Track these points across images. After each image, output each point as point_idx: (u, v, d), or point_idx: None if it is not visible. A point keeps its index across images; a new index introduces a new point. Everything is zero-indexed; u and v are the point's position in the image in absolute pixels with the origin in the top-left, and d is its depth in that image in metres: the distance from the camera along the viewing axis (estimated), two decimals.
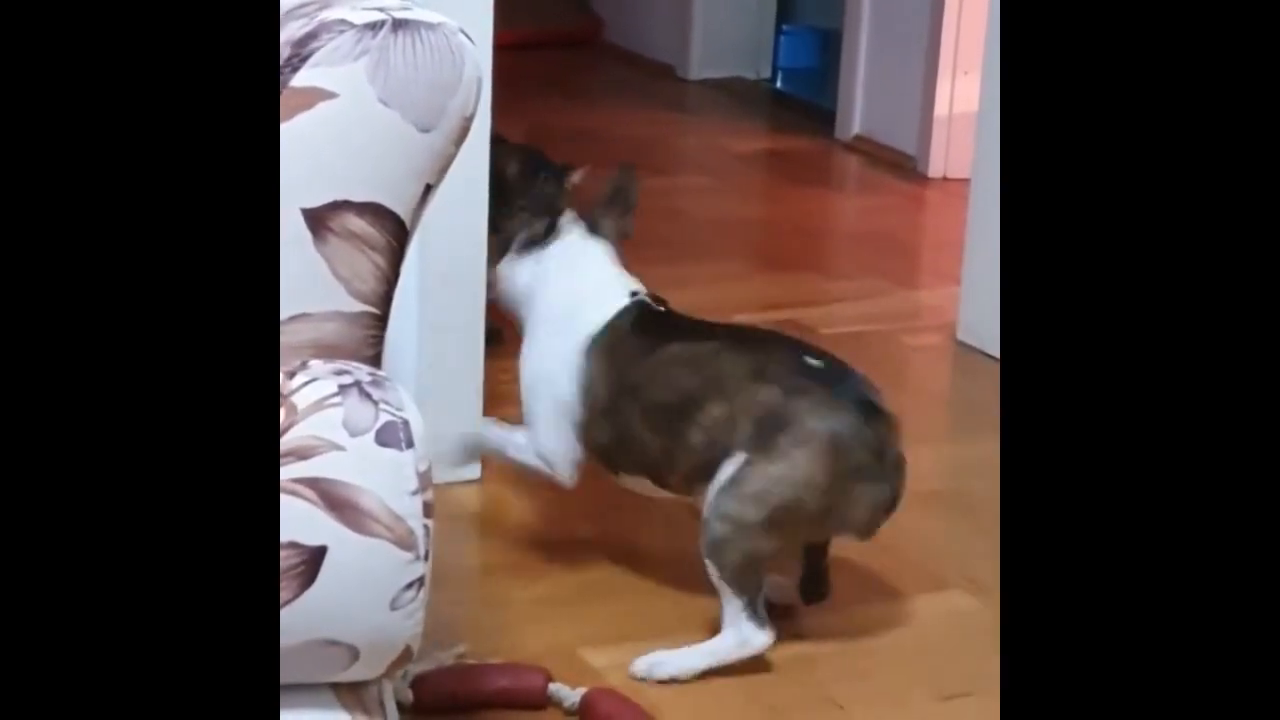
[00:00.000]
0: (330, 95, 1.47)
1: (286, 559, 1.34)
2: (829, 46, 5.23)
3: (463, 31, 1.53)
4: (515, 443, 2.37)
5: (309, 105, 1.47)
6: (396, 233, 1.50)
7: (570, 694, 2.07)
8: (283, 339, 1.43)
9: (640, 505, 2.52)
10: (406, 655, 1.44)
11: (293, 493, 1.34)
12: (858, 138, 4.82)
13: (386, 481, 1.37)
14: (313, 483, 1.35)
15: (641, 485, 2.29)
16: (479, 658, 2.14)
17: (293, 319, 1.47)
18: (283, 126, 1.45)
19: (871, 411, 2.17)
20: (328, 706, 1.44)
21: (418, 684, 2.04)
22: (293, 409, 1.37)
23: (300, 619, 1.35)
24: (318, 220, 1.47)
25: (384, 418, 1.38)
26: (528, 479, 2.44)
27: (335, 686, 1.45)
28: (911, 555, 2.47)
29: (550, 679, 2.09)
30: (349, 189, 1.48)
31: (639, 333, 2.29)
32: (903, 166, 4.61)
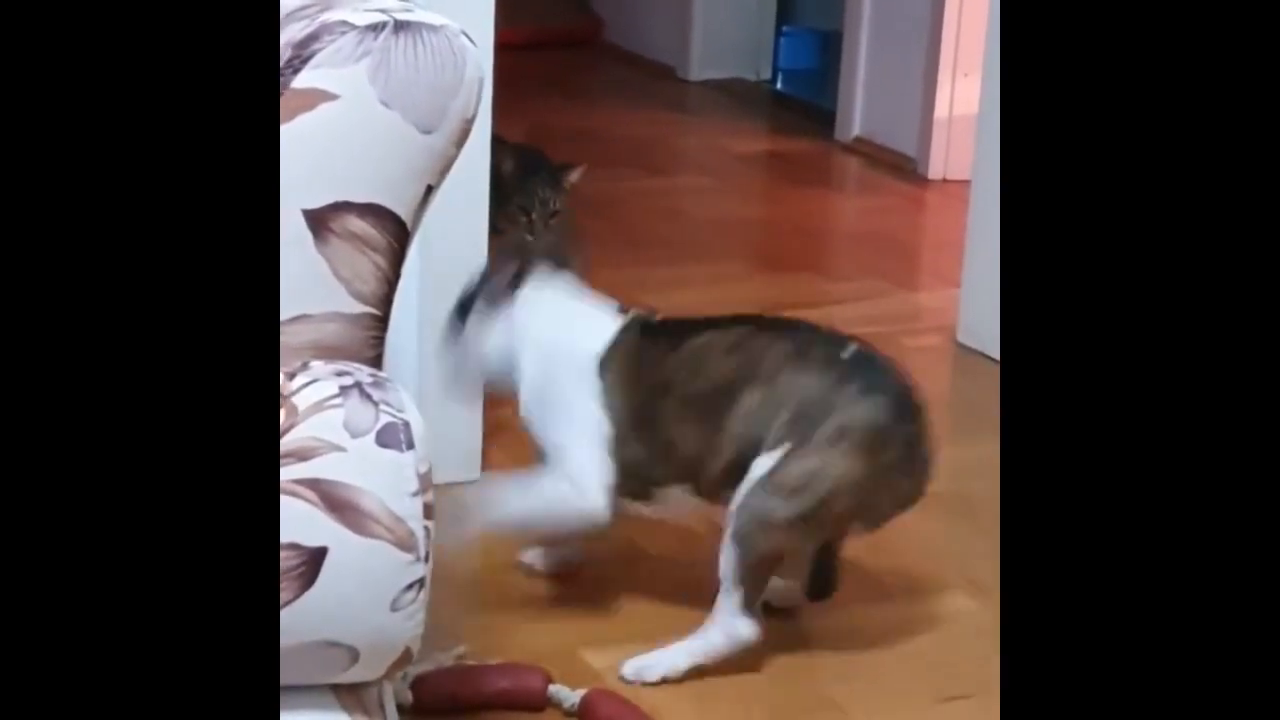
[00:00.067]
0: (331, 97, 1.47)
1: (287, 560, 1.34)
2: (829, 47, 5.23)
3: (464, 33, 1.53)
4: (536, 494, 2.23)
5: (310, 106, 1.47)
6: (397, 234, 1.50)
7: (570, 695, 2.07)
8: (283, 340, 1.43)
9: None
10: (406, 656, 1.44)
11: (293, 494, 1.34)
12: (858, 139, 4.82)
13: (387, 483, 1.37)
14: (313, 484, 1.35)
15: (678, 500, 2.21)
16: (479, 658, 2.14)
17: (293, 320, 1.47)
18: (284, 127, 1.45)
19: (906, 405, 2.14)
20: (328, 708, 1.44)
21: (417, 685, 2.04)
22: (293, 410, 1.37)
23: (300, 620, 1.35)
24: (319, 221, 1.47)
25: (384, 419, 1.38)
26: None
27: (335, 688, 1.45)
28: (912, 556, 2.47)
29: (550, 680, 2.09)
30: (350, 190, 1.48)
31: (653, 337, 2.23)
32: (903, 168, 4.62)
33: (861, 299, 3.66)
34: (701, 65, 5.54)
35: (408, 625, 1.41)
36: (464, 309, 2.31)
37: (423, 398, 2.16)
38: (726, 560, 2.11)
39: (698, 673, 2.16)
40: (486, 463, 2.70)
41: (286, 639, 1.32)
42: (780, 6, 5.64)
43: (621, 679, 2.14)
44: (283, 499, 1.32)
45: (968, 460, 2.66)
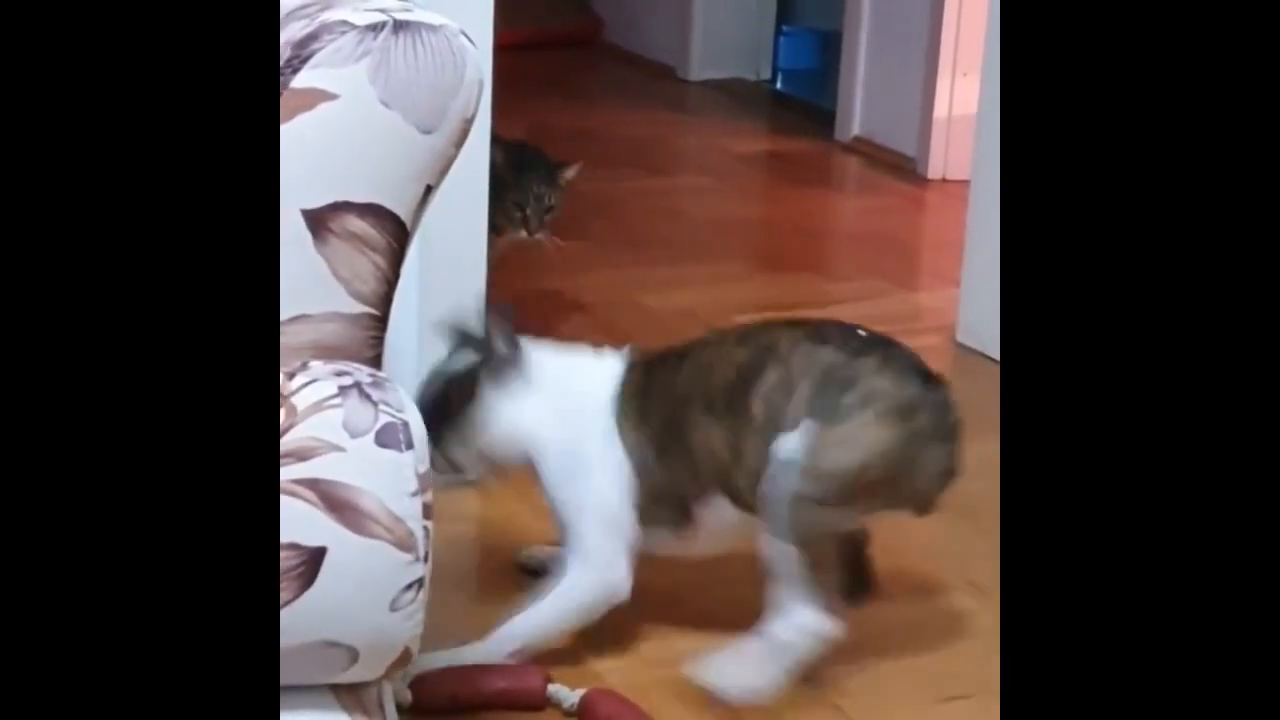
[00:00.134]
0: (331, 96, 1.47)
1: (286, 560, 1.34)
2: (829, 47, 5.23)
3: (464, 33, 1.53)
4: (565, 601, 2.14)
5: (310, 106, 1.47)
6: (397, 234, 1.50)
7: (570, 695, 2.07)
8: (283, 340, 1.43)
9: None
10: (406, 656, 1.44)
11: (293, 494, 1.34)
12: (857, 139, 4.82)
13: (386, 483, 1.37)
14: (312, 484, 1.35)
15: (719, 516, 2.13)
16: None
17: (293, 320, 1.47)
18: (283, 127, 1.45)
19: (928, 374, 2.12)
20: (327, 708, 1.44)
21: (417, 685, 2.04)
22: (293, 410, 1.37)
23: (300, 620, 1.35)
24: (318, 221, 1.47)
25: (384, 419, 1.38)
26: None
27: (335, 688, 1.45)
28: (911, 556, 2.47)
29: (550, 680, 2.08)
30: (349, 190, 1.48)
31: (658, 363, 2.18)
32: (902, 168, 4.61)
33: (861, 299, 3.65)
34: (701, 65, 5.54)
35: (407, 625, 1.41)
36: (448, 403, 2.15)
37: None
38: (776, 552, 2.05)
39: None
40: None
41: (286, 639, 1.32)
42: (780, 6, 5.65)
43: (694, 683, 2.08)
44: (282, 499, 1.32)
45: (968, 460, 2.66)
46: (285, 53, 1.49)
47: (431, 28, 1.50)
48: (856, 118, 4.83)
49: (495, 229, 2.86)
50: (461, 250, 2.60)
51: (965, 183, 3.54)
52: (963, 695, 2.15)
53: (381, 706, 1.50)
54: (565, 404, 2.15)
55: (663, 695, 2.12)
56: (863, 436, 2.04)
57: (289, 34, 1.50)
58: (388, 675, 1.47)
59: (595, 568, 2.13)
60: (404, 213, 1.51)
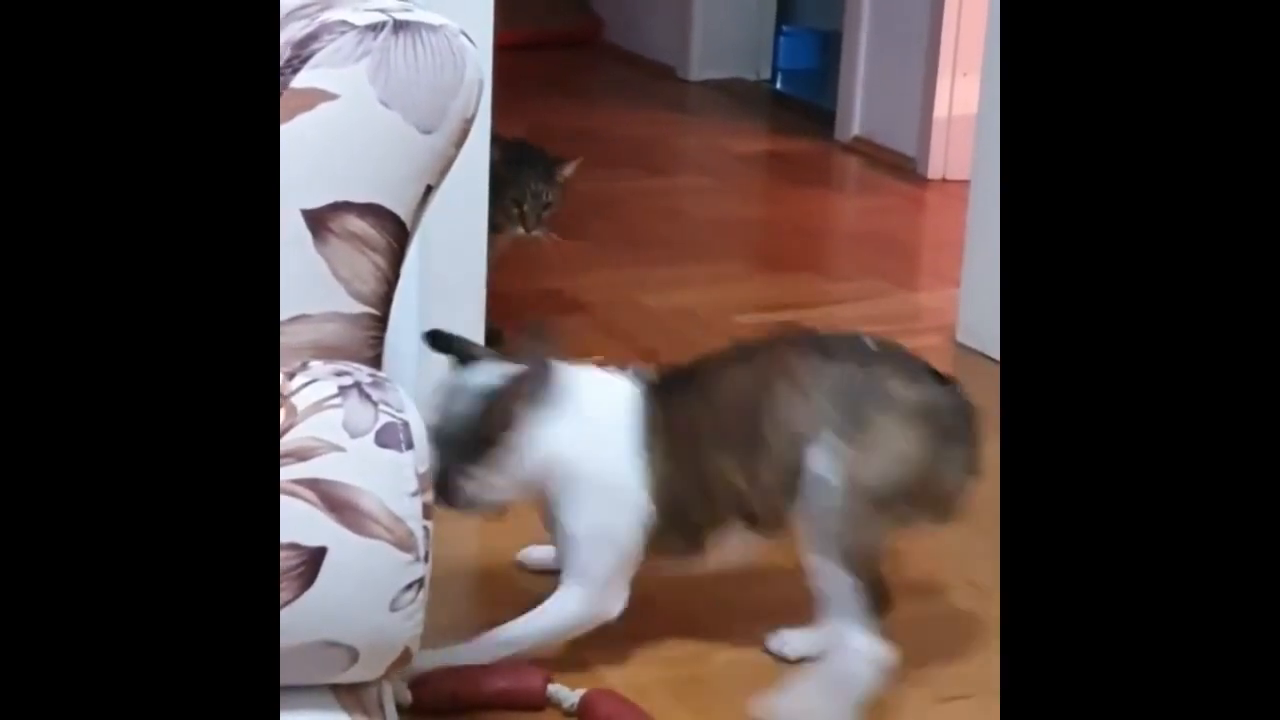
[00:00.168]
0: (331, 96, 1.47)
1: (286, 560, 1.34)
2: (829, 47, 5.23)
3: (464, 33, 1.53)
4: (554, 618, 2.11)
5: (310, 106, 1.47)
6: (397, 234, 1.50)
7: (570, 695, 2.07)
8: (283, 340, 1.43)
9: None
10: (406, 656, 1.44)
11: (293, 494, 1.34)
12: (857, 139, 4.82)
13: (386, 483, 1.37)
14: (312, 484, 1.35)
15: (734, 540, 2.10)
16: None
17: (293, 320, 1.47)
18: (283, 127, 1.45)
19: (941, 378, 2.10)
20: (327, 708, 1.44)
21: (417, 685, 2.04)
22: (293, 410, 1.37)
23: (300, 620, 1.35)
24: (318, 221, 1.47)
25: (384, 419, 1.38)
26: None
27: (335, 688, 1.45)
28: (911, 557, 2.46)
29: (550, 680, 2.08)
30: (349, 190, 1.48)
31: (667, 391, 2.11)
32: (902, 168, 4.62)
33: (861, 299, 3.66)
34: (701, 65, 5.54)
35: (407, 625, 1.41)
36: (485, 427, 2.01)
37: (422, 397, 2.16)
38: (826, 578, 2.02)
39: (697, 673, 2.16)
40: None
41: (286, 639, 1.32)
42: (780, 6, 5.65)
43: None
44: (282, 499, 1.32)
45: None
46: (285, 53, 1.49)
47: (431, 28, 1.50)
48: (856, 118, 4.83)
49: (494, 227, 2.87)
50: (461, 250, 2.60)
51: (965, 183, 3.54)
52: (963, 695, 2.15)
53: (381, 706, 1.50)
54: (592, 428, 2.06)
55: (663, 696, 2.12)
56: (892, 442, 2.02)
57: (289, 34, 1.50)
58: (388, 675, 1.47)
59: (595, 587, 2.10)
60: (404, 213, 1.51)
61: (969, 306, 3.36)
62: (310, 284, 1.47)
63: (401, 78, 1.48)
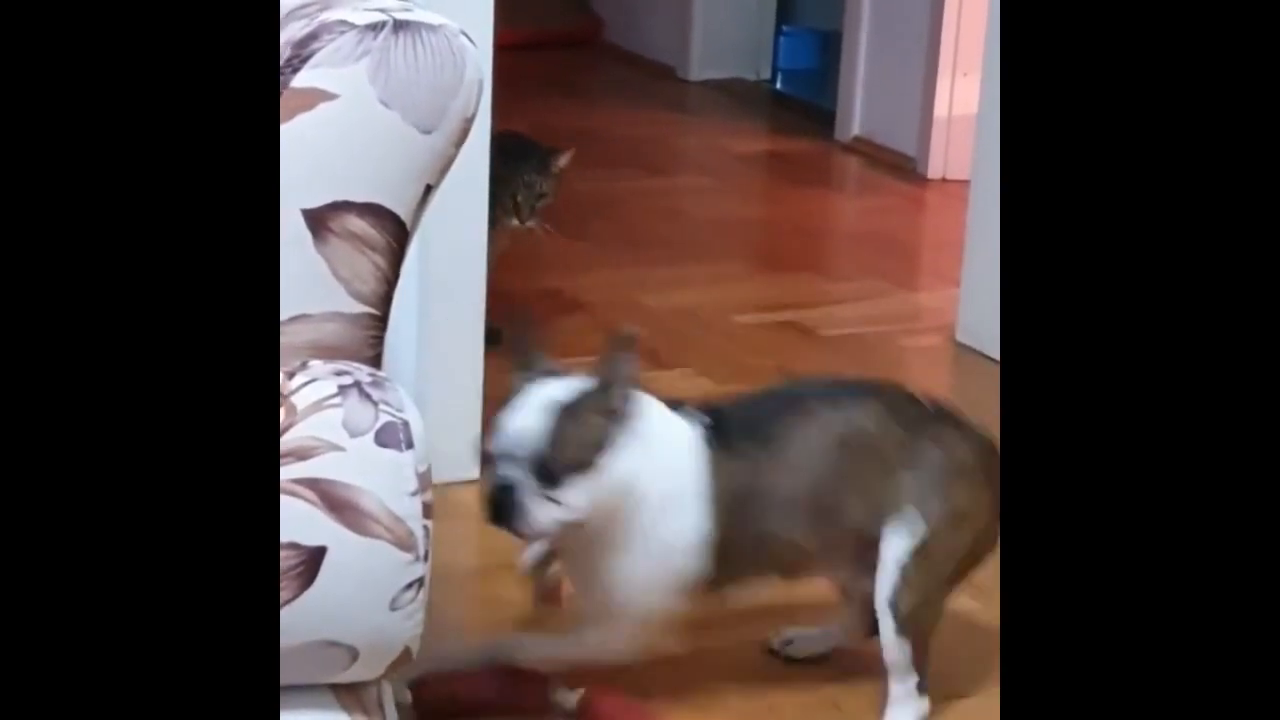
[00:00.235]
0: (331, 96, 1.47)
1: (286, 559, 1.34)
2: (829, 47, 5.23)
3: (464, 33, 1.53)
4: (583, 645, 2.01)
5: (310, 106, 1.47)
6: (397, 233, 1.50)
7: (570, 695, 2.07)
8: (283, 339, 1.43)
9: None
10: (406, 656, 1.44)
11: (292, 493, 1.34)
12: (857, 139, 4.82)
13: (386, 482, 1.37)
14: (312, 483, 1.35)
15: (758, 585, 2.04)
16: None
17: (293, 319, 1.47)
18: (283, 127, 1.45)
19: (969, 424, 2.05)
20: (327, 707, 1.44)
21: (417, 686, 2.04)
22: (292, 409, 1.37)
23: (300, 619, 1.35)
24: (318, 221, 1.47)
25: (384, 418, 1.38)
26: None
27: (335, 687, 1.45)
28: None
29: (550, 682, 2.08)
30: (349, 190, 1.48)
31: (742, 443, 1.96)
32: (902, 168, 4.62)
33: (861, 299, 3.66)
34: (701, 65, 5.54)
35: (407, 625, 1.41)
36: (577, 442, 1.83)
37: (422, 397, 2.16)
38: (896, 652, 2.00)
39: (697, 673, 2.16)
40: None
41: (286, 639, 1.32)
42: (780, 6, 5.65)
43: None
44: (282, 499, 1.32)
45: None
46: (285, 52, 1.49)
47: (431, 27, 1.50)
48: (856, 118, 4.83)
49: (490, 221, 2.86)
50: (461, 250, 2.60)
51: (965, 183, 3.54)
52: (962, 695, 2.15)
53: (381, 706, 1.50)
54: (664, 463, 1.91)
55: (663, 696, 2.12)
56: (970, 519, 1.98)
57: (289, 34, 1.50)
58: (387, 675, 1.47)
59: (630, 624, 1.97)
60: (404, 212, 1.51)
61: (969, 306, 3.36)
62: (310, 284, 1.47)
63: (401, 77, 1.48)
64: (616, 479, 1.85)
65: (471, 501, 2.62)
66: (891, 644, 2.01)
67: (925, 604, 2.00)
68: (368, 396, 1.39)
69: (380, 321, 1.51)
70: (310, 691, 1.43)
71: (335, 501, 1.35)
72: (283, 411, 1.36)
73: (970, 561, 2.04)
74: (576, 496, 1.84)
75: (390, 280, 1.51)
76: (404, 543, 1.38)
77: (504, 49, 2.63)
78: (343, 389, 1.39)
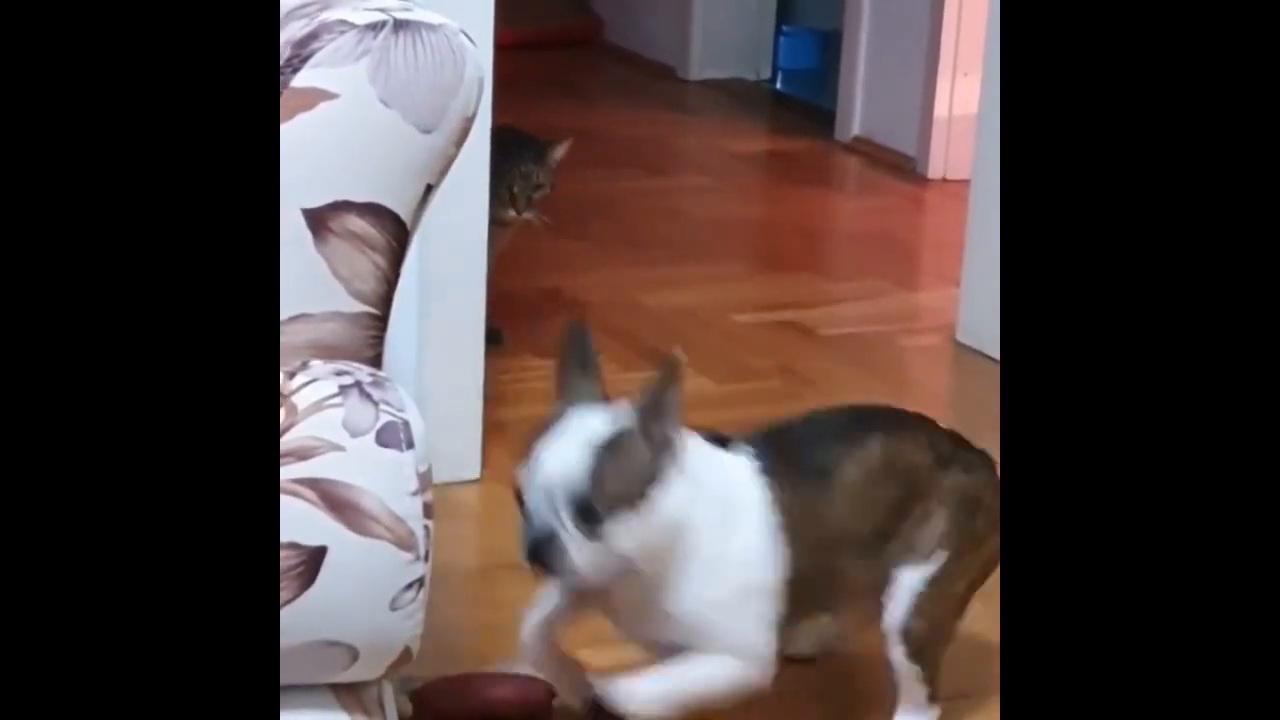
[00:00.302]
0: (331, 96, 1.47)
1: (286, 559, 1.34)
2: (829, 47, 5.23)
3: (464, 33, 1.53)
4: (699, 678, 1.82)
5: (310, 106, 1.47)
6: (397, 233, 1.50)
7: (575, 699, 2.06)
8: (283, 339, 1.43)
9: None
10: (406, 656, 1.44)
11: (293, 493, 1.34)
12: (857, 139, 4.82)
13: (387, 482, 1.37)
14: (313, 483, 1.35)
15: (809, 632, 1.93)
16: (480, 659, 2.13)
17: (293, 319, 1.47)
18: (283, 127, 1.45)
19: (982, 453, 2.02)
20: (328, 707, 1.44)
21: (418, 695, 2.03)
22: (293, 409, 1.37)
23: (300, 619, 1.35)
24: (318, 220, 1.47)
25: (384, 418, 1.38)
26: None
27: (335, 687, 1.45)
28: None
29: (554, 694, 2.06)
30: (349, 189, 1.48)
31: (803, 484, 1.86)
32: (902, 167, 4.61)
33: (861, 299, 3.66)
34: (701, 65, 5.54)
35: (407, 625, 1.41)
36: (619, 476, 1.67)
37: (422, 397, 2.16)
38: (908, 675, 1.97)
39: None
40: (486, 462, 2.70)
41: (286, 638, 1.32)
42: (780, 6, 5.64)
43: None
44: (282, 498, 1.32)
45: None
46: (285, 52, 1.49)
47: (431, 27, 1.50)
48: (856, 117, 4.82)
49: (490, 217, 2.86)
50: (461, 250, 2.60)
51: (965, 182, 3.54)
52: (963, 695, 2.15)
53: (381, 706, 1.50)
54: (719, 493, 1.78)
55: None
56: (987, 551, 1.94)
57: (289, 33, 1.50)
58: (388, 675, 1.47)
59: (751, 657, 1.83)
60: (404, 212, 1.51)
61: (969, 306, 3.36)
62: (310, 283, 1.47)
63: (401, 77, 1.48)
64: (666, 515, 1.70)
65: (472, 501, 2.63)
66: (904, 668, 1.99)
67: (938, 629, 1.98)
68: (368, 396, 1.39)
69: (380, 321, 1.51)
70: (310, 691, 1.43)
71: (336, 501, 1.35)
72: (283, 411, 1.36)
73: (979, 583, 2.02)
74: (623, 537, 1.68)
75: (390, 280, 1.51)
76: (404, 543, 1.38)
77: (504, 49, 2.63)
78: (343, 389, 1.39)
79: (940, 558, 1.95)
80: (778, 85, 5.56)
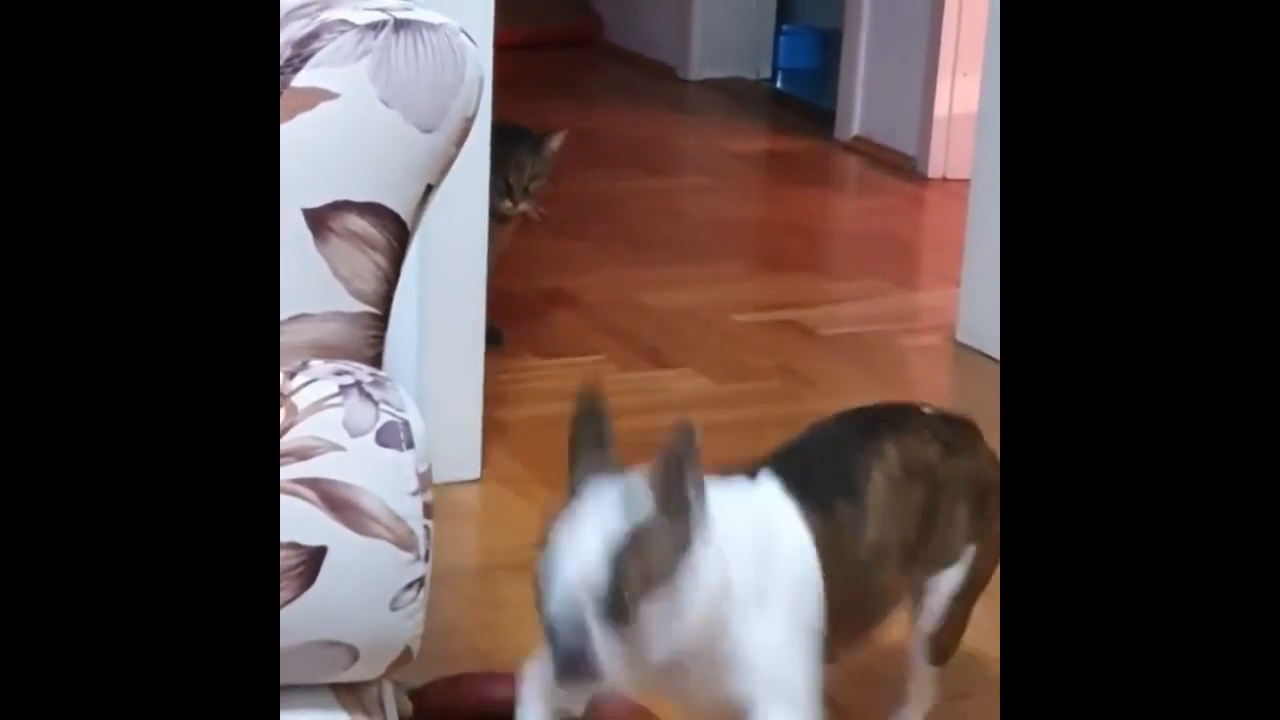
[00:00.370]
0: (331, 95, 1.47)
1: (286, 559, 1.34)
2: (829, 47, 5.23)
3: (464, 32, 1.53)
4: None
5: (310, 105, 1.47)
6: (397, 233, 1.50)
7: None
8: (283, 339, 1.43)
9: None
10: (406, 656, 1.44)
11: (293, 493, 1.34)
12: (857, 138, 4.82)
13: (387, 482, 1.37)
14: (313, 483, 1.35)
15: (847, 652, 1.85)
16: (480, 659, 2.14)
17: (293, 319, 1.47)
18: (284, 127, 1.45)
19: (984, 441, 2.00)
20: (328, 707, 1.44)
21: (418, 695, 2.03)
22: (293, 409, 1.37)
23: (300, 619, 1.35)
24: (318, 220, 1.47)
25: (384, 418, 1.38)
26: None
27: (335, 687, 1.45)
28: None
29: None
30: (350, 189, 1.48)
31: (837, 512, 1.77)
32: (902, 167, 4.62)
33: (861, 298, 3.66)
34: (701, 65, 5.54)
35: (408, 624, 1.41)
36: (641, 580, 1.50)
37: (422, 397, 2.16)
38: (930, 678, 1.98)
39: None
40: (486, 462, 2.70)
41: (286, 638, 1.32)
42: (780, 5, 5.64)
43: None
44: (282, 498, 1.32)
45: None
46: (285, 52, 1.49)
47: (431, 26, 1.50)
48: (856, 117, 4.83)
49: (494, 218, 2.86)
50: (462, 249, 2.60)
51: (965, 182, 3.54)
52: (963, 695, 2.15)
53: (382, 706, 1.50)
54: (750, 541, 1.66)
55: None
56: (1000, 529, 1.84)
57: (289, 33, 1.50)
58: (388, 674, 1.47)
59: (803, 708, 1.72)
60: (404, 212, 1.51)
61: (969, 306, 3.36)
62: (311, 283, 1.47)
63: (402, 77, 1.48)
64: (701, 591, 1.56)
65: (472, 501, 2.63)
66: (926, 670, 1.99)
67: (964, 626, 1.96)
68: (368, 396, 1.39)
69: (381, 321, 1.51)
70: (310, 691, 1.43)
71: (336, 501, 1.35)
72: (283, 411, 1.36)
73: (995, 566, 1.96)
74: (659, 628, 1.53)
75: (391, 280, 1.51)
76: (404, 542, 1.38)
77: (504, 49, 2.63)
78: (343, 389, 1.39)
79: (970, 554, 1.91)
80: (778, 85, 5.56)
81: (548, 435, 2.85)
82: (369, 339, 1.50)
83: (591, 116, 5.05)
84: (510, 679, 2.08)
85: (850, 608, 1.77)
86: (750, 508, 1.70)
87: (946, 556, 1.90)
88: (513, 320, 3.21)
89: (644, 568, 1.50)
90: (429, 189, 1.52)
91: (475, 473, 2.68)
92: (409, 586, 1.39)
